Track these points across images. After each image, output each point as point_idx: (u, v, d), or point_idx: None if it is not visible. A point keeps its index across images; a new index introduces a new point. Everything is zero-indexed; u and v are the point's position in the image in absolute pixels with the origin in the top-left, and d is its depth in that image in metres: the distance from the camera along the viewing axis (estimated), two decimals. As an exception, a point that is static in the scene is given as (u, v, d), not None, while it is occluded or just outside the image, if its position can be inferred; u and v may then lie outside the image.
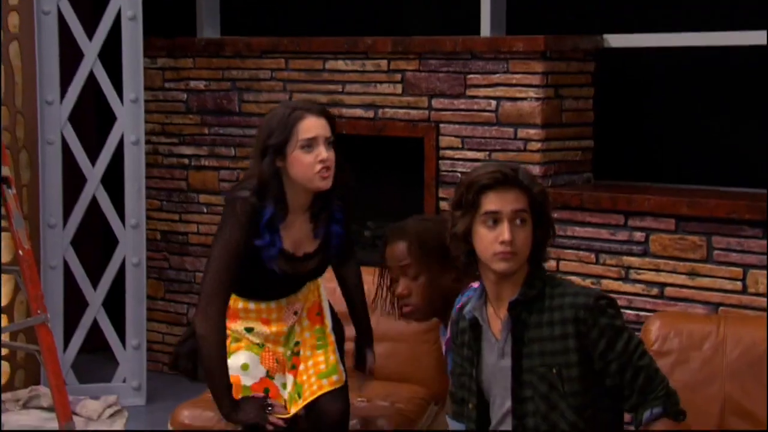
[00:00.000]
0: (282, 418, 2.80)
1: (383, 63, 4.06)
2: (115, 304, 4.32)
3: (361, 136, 4.14)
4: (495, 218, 2.38)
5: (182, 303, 4.59)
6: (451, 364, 2.55)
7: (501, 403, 2.42)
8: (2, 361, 4.02)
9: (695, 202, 3.43)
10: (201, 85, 4.50)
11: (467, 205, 2.40)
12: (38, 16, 4.11)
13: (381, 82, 4.08)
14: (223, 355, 2.74)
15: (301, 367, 2.91)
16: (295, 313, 2.92)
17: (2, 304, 4.09)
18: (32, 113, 4.16)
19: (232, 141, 4.43)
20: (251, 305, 2.87)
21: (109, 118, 4.25)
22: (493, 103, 3.81)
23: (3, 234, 3.99)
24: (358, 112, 4.15)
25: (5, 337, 3.95)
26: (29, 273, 3.66)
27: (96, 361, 4.42)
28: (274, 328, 2.90)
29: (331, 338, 2.97)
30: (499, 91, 3.79)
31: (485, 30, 4.04)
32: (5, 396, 4.04)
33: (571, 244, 3.67)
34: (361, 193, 4.37)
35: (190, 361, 2.89)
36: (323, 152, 2.75)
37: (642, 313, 3.53)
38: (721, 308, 3.40)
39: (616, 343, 2.34)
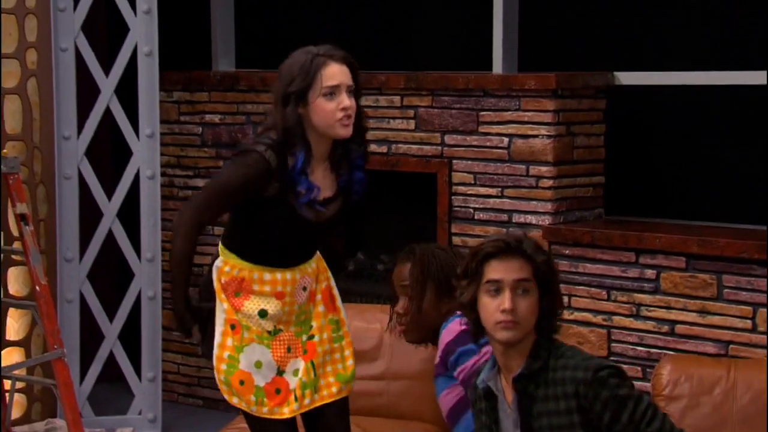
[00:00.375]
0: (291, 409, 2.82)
1: (396, 99, 4.11)
2: (130, 337, 4.37)
3: (375, 170, 4.16)
4: (497, 287, 2.40)
5: (197, 334, 4.63)
6: (474, 426, 2.57)
7: None
8: (18, 394, 4.06)
9: (705, 241, 3.46)
10: (216, 118, 4.55)
11: (472, 274, 2.44)
12: (56, 53, 4.17)
13: (394, 118, 4.12)
14: (187, 265, 2.73)
15: (319, 359, 2.88)
16: (304, 288, 2.87)
17: (19, 338, 4.14)
18: (50, 148, 4.21)
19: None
20: (266, 275, 2.81)
21: (126, 153, 4.31)
22: (506, 140, 3.85)
23: (20, 269, 4.05)
24: (372, 147, 4.14)
25: (22, 371, 3.99)
26: (46, 308, 3.71)
27: (112, 393, 4.47)
28: (287, 307, 2.83)
29: (348, 334, 2.96)
30: (512, 128, 3.83)
31: (497, 67, 4.09)
32: (21, 429, 4.08)
33: (582, 280, 3.70)
34: (375, 227, 4.46)
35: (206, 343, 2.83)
36: (345, 100, 2.72)
37: (653, 350, 3.56)
38: (731, 346, 3.43)
39: (621, 414, 2.34)
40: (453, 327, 2.81)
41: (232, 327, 2.80)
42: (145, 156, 4.27)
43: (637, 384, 3.56)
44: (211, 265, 2.83)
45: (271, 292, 2.82)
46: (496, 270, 2.42)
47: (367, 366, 3.47)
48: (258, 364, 2.80)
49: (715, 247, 3.43)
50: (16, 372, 3.82)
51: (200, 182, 4.57)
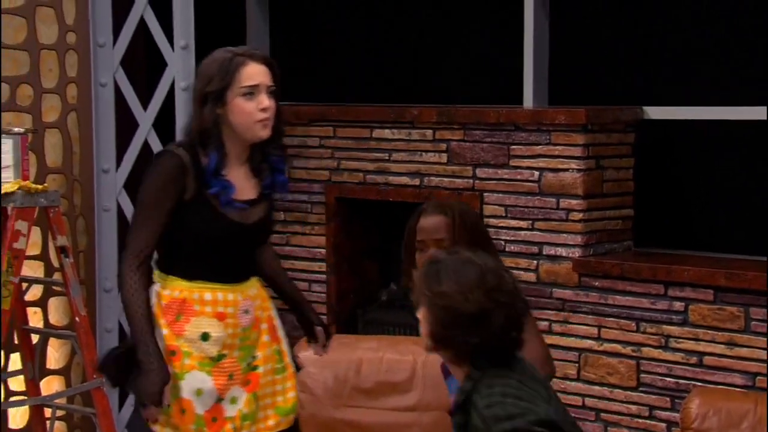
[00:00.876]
0: None
1: (429, 132, 4.18)
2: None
3: (407, 203, 4.25)
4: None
5: (231, 363, 4.71)
6: None
7: None
8: (59, 422, 4.15)
9: (733, 273, 3.50)
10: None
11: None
12: (95, 88, 4.28)
13: (426, 151, 4.19)
14: (138, 308, 2.68)
15: (260, 391, 2.81)
16: (246, 311, 2.79)
17: (59, 367, 4.24)
18: (89, 181, 4.32)
19: (281, 206, 4.56)
20: (207, 295, 2.74)
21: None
22: (536, 173, 3.90)
23: (60, 299, 4.15)
24: (404, 179, 4.26)
25: (62, 400, 4.08)
26: (85, 339, 3.80)
27: (148, 421, 4.54)
28: (230, 329, 2.75)
29: (290, 366, 2.90)
30: (542, 162, 3.89)
31: (528, 101, 4.15)
32: (61, 455, 4.17)
33: (612, 312, 3.74)
34: (398, 254, 4.52)
35: (118, 371, 2.75)
36: (265, 100, 2.69)
37: (681, 381, 3.60)
38: (757, 378, 3.46)
39: None
40: None
41: (172, 353, 2.71)
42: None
43: (665, 414, 3.63)
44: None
45: (212, 313, 2.75)
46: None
47: (400, 397, 3.52)
48: (199, 392, 2.71)
49: (742, 280, 3.47)
50: (56, 401, 3.91)
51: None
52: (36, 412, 3.98)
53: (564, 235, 3.84)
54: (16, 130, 3.75)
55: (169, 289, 2.75)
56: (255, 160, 2.77)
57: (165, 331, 2.72)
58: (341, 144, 4.41)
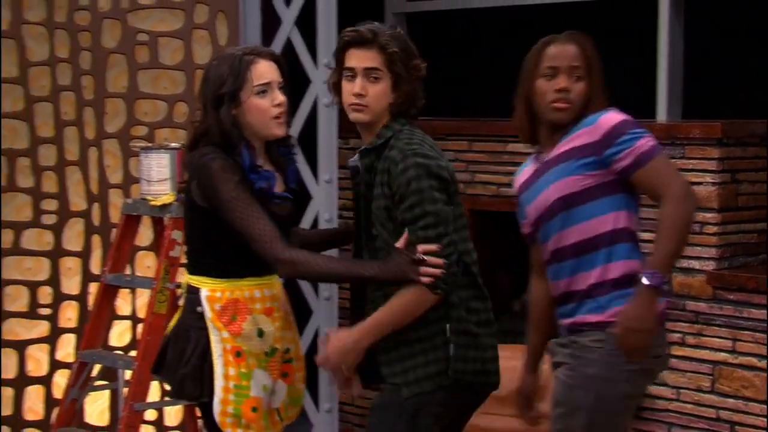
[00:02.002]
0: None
1: (562, 146, 4.25)
2: (308, 369, 4.62)
3: (540, 215, 4.33)
4: (352, 74, 2.72)
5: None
6: None
7: (363, 238, 2.76)
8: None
9: None
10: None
11: (336, 61, 2.76)
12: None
13: (559, 164, 4.26)
14: (324, 259, 2.68)
15: (293, 381, 2.88)
16: (284, 304, 2.86)
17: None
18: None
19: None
20: (256, 292, 2.79)
21: (306, 198, 4.59)
22: (670, 187, 3.94)
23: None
24: (538, 192, 4.34)
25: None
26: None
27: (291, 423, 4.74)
28: (276, 323, 2.81)
29: (302, 357, 2.94)
30: (676, 176, 3.92)
31: (662, 115, 4.19)
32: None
33: (747, 325, 3.75)
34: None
35: (197, 383, 2.76)
36: (279, 96, 2.71)
37: (819, 396, 3.59)
38: None
39: (404, 199, 2.63)
40: (615, 115, 2.76)
41: (237, 354, 2.74)
42: (323, 201, 4.53)
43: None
44: (194, 354, 2.74)
45: (262, 309, 2.79)
46: (351, 58, 2.72)
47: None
48: (265, 388, 2.78)
49: None
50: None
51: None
52: (188, 411, 4.22)
53: (698, 248, 3.88)
54: (172, 145, 3.99)
55: (219, 291, 2.77)
56: (273, 154, 2.81)
57: (225, 333, 2.75)
58: (476, 158, 4.52)
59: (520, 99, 2.85)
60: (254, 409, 2.75)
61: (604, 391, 2.67)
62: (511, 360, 3.90)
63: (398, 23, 5.13)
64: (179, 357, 2.79)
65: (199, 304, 2.78)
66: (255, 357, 2.77)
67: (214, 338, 2.75)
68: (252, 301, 2.80)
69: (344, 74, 2.74)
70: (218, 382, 2.73)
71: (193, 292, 2.81)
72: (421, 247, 2.65)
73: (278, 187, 2.80)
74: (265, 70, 2.73)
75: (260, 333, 2.79)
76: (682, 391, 3.87)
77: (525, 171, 2.90)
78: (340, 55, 2.76)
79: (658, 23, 4.22)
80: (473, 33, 5.02)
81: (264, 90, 2.72)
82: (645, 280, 2.59)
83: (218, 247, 2.77)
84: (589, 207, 2.71)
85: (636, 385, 2.72)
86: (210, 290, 2.78)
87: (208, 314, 2.76)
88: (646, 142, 2.70)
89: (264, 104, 2.72)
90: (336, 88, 2.80)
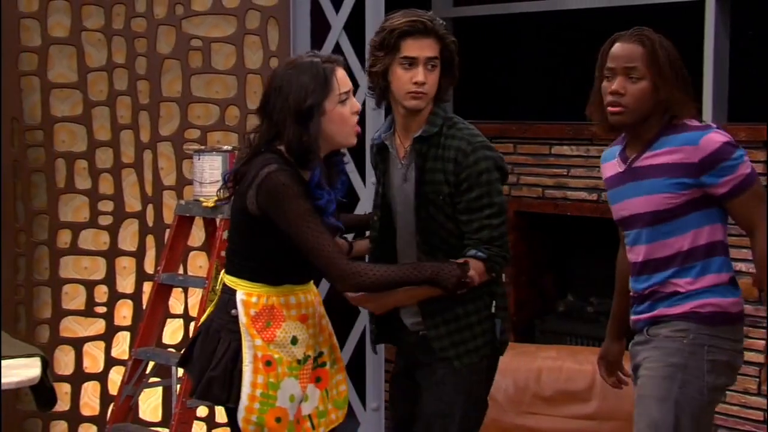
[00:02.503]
0: None
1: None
2: (356, 368, 4.69)
3: (585, 217, 4.38)
4: (411, 62, 2.79)
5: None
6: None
7: (405, 219, 2.88)
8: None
9: None
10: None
11: (388, 48, 2.80)
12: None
13: (605, 167, 4.30)
14: (381, 267, 2.70)
15: (329, 385, 2.84)
16: (317, 310, 2.83)
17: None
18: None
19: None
20: (292, 299, 2.76)
21: (353, 199, 4.66)
22: (715, 189, 3.95)
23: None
24: (582, 194, 4.38)
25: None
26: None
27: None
28: (311, 329, 2.79)
29: (341, 359, 2.92)
30: (721, 179, 3.94)
31: (707, 117, 4.20)
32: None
33: (793, 327, 3.77)
34: (586, 271, 4.64)
35: (225, 387, 2.72)
36: (356, 104, 2.70)
37: None
38: None
39: (473, 189, 2.79)
40: (717, 136, 2.68)
41: (268, 364, 2.70)
42: (370, 202, 4.59)
43: None
44: (223, 357, 2.71)
45: (297, 316, 2.76)
46: (411, 47, 2.78)
47: (580, 406, 3.63)
48: (292, 398, 2.72)
49: None
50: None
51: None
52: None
53: (744, 250, 3.87)
54: (225, 147, 4.07)
55: (256, 296, 2.73)
56: (329, 160, 2.77)
57: (258, 341, 2.70)
58: (521, 160, 4.57)
59: (594, 97, 2.82)
60: (278, 420, 2.70)
61: (689, 380, 2.66)
62: (556, 360, 3.96)
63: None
64: (208, 357, 2.75)
65: (234, 306, 2.74)
66: (286, 365, 2.73)
67: (246, 344, 2.71)
68: (288, 308, 2.76)
69: (401, 62, 2.81)
70: (245, 389, 2.69)
71: (228, 292, 2.77)
72: (472, 263, 2.80)
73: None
74: (344, 77, 2.70)
75: (294, 340, 2.75)
76: (728, 392, 3.88)
77: (611, 165, 2.84)
78: (395, 42, 2.81)
79: (704, 26, 4.24)
80: (519, 37, 5.06)
81: (346, 98, 2.68)
82: None
83: (262, 253, 2.74)
84: (684, 221, 2.70)
85: (720, 377, 2.71)
86: (246, 294, 2.74)
87: (243, 319, 2.72)
88: (743, 171, 2.68)
89: (346, 112, 2.69)
90: (380, 75, 2.83)
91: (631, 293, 2.85)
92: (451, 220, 2.85)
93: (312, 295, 2.84)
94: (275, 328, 2.72)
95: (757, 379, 3.83)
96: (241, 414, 2.70)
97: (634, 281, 2.81)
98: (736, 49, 4.25)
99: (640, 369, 2.76)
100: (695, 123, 2.75)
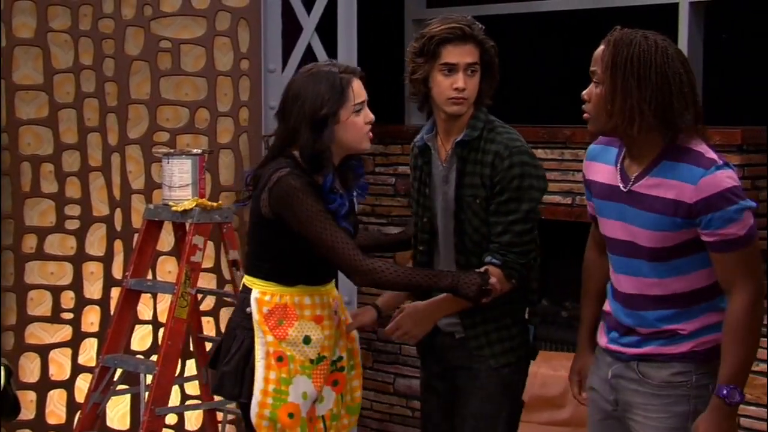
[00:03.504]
0: None
1: (581, 152, 4.25)
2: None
3: (560, 221, 4.35)
4: (451, 68, 2.83)
5: (389, 373, 4.89)
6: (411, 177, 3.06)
7: (443, 221, 2.92)
8: (230, 425, 4.40)
9: None
10: (408, 169, 4.80)
11: (428, 54, 2.84)
12: (265, 111, 4.49)
13: (579, 171, 4.26)
14: (400, 269, 2.74)
15: (345, 390, 2.89)
16: (335, 312, 2.88)
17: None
18: (258, 198, 4.55)
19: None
20: (306, 299, 2.82)
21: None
22: (690, 193, 3.93)
23: (230, 309, 4.41)
24: (557, 198, 4.36)
25: (232, 404, 4.32)
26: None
27: None
28: (326, 331, 2.84)
29: (360, 365, 2.98)
30: (696, 182, 3.92)
31: (681, 122, 4.18)
32: (230, 456, 4.42)
33: (764, 332, 3.74)
34: (560, 276, 4.60)
35: (237, 383, 2.81)
36: (370, 114, 2.80)
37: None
38: None
39: (503, 193, 2.85)
40: (720, 179, 2.43)
41: (279, 359, 2.77)
42: (343, 205, 4.57)
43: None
44: (238, 352, 2.79)
45: (311, 317, 2.83)
46: (451, 54, 2.82)
47: (554, 412, 3.60)
48: (305, 396, 2.78)
49: None
50: (228, 405, 4.15)
51: (393, 230, 4.86)
52: (209, 416, 4.25)
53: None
54: (195, 151, 4.02)
55: (269, 295, 2.82)
56: (343, 168, 2.87)
57: (269, 337, 2.78)
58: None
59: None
60: (291, 415, 2.77)
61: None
62: (531, 366, 3.92)
63: (417, 30, 5.14)
64: (225, 354, 2.85)
65: (249, 304, 2.83)
66: (299, 363, 2.79)
67: (258, 340, 2.79)
68: (301, 308, 2.83)
69: (441, 69, 2.85)
70: (258, 385, 2.76)
71: (245, 291, 2.87)
72: (492, 271, 2.83)
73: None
74: (360, 88, 2.80)
75: (306, 340, 2.82)
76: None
77: (605, 170, 2.59)
78: (434, 49, 2.86)
79: (678, 30, 4.22)
80: (493, 39, 5.03)
81: (361, 108, 2.78)
82: (726, 399, 2.39)
83: (276, 254, 2.83)
84: (688, 261, 2.49)
85: None
86: (260, 292, 2.82)
87: (255, 316, 2.81)
88: (737, 232, 2.40)
89: (360, 122, 2.78)
90: (421, 82, 2.89)
91: (607, 312, 2.66)
92: (486, 225, 2.89)
93: (329, 297, 2.89)
94: (287, 326, 2.78)
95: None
96: (254, 409, 2.76)
97: (617, 308, 2.59)
98: (710, 52, 4.23)
99: (634, 412, 2.55)
100: (702, 149, 2.47)
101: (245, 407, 2.83)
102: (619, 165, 2.55)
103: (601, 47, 2.50)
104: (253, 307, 2.81)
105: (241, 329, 2.85)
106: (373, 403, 4.93)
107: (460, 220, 2.92)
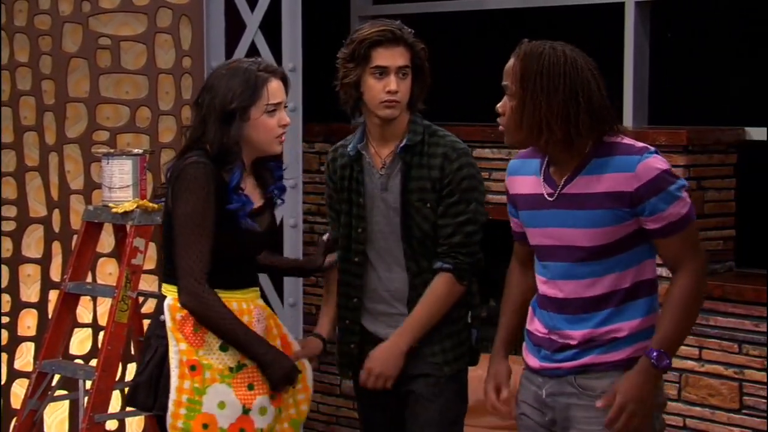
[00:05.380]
0: None
1: (529, 152, 4.24)
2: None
3: (506, 221, 4.31)
4: (383, 71, 2.82)
5: (335, 375, 4.84)
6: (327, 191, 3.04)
7: (383, 230, 2.91)
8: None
9: (839, 297, 3.48)
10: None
11: (359, 58, 2.81)
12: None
13: (526, 171, 4.25)
14: (233, 318, 2.68)
15: (283, 404, 2.82)
16: (259, 320, 2.80)
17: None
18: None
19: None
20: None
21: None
22: (636, 194, 3.93)
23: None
24: (503, 198, 4.31)
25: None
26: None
27: None
28: None
29: (306, 378, 2.92)
30: (642, 183, 3.92)
31: (628, 122, 4.19)
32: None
33: (713, 333, 3.75)
34: (500, 273, 4.58)
35: (151, 393, 2.75)
36: (285, 117, 2.75)
37: (785, 404, 3.59)
38: None
39: (453, 195, 2.87)
40: (655, 163, 2.45)
41: (192, 368, 2.71)
42: (287, 205, 4.50)
43: (770, 438, 3.62)
44: (149, 364, 2.75)
45: None
46: (382, 56, 2.81)
47: (499, 416, 3.57)
48: (221, 405, 2.71)
49: None
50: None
51: (339, 230, 4.79)
52: (151, 421, 4.16)
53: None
54: (135, 151, 3.94)
55: None
56: (258, 168, 2.83)
57: (183, 345, 2.71)
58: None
59: None
60: (205, 426, 2.69)
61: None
62: (477, 369, 3.89)
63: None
64: (139, 364, 2.80)
65: (163, 311, 2.76)
66: (216, 372, 2.72)
67: (172, 349, 2.72)
68: None
69: (373, 72, 2.84)
70: (171, 395, 2.69)
71: (160, 298, 2.80)
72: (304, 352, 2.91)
73: (256, 201, 2.80)
74: (277, 89, 2.75)
75: (223, 347, 2.75)
76: (648, 398, 3.85)
77: (529, 182, 2.57)
78: (365, 52, 2.84)
79: (624, 29, 4.22)
80: (441, 37, 4.99)
81: (274, 110, 2.74)
82: (654, 361, 2.39)
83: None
84: (626, 257, 2.47)
85: (657, 417, 2.53)
86: (174, 299, 2.74)
87: (168, 323, 2.73)
88: (680, 210, 2.43)
89: (271, 123, 2.74)
90: (353, 86, 2.89)
91: (532, 331, 2.58)
92: (436, 229, 2.90)
93: (251, 304, 2.81)
94: (203, 333, 2.72)
95: (678, 385, 3.81)
96: (168, 420, 2.70)
97: (551, 318, 2.53)
98: (656, 52, 4.24)
99: (576, 427, 2.49)
100: (629, 142, 2.48)
101: (161, 419, 2.75)
102: (543, 174, 2.54)
103: (511, 60, 2.50)
104: (167, 314, 2.73)
105: (155, 338, 2.77)
106: (320, 405, 4.88)
107: (407, 226, 2.90)
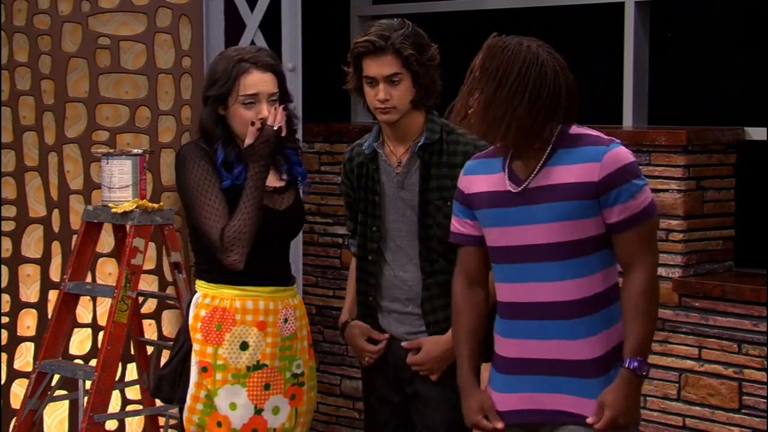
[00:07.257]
0: None
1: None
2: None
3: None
4: (372, 81, 2.81)
5: (335, 375, 4.84)
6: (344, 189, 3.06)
7: (400, 228, 2.89)
8: (171, 430, 4.32)
9: (838, 297, 3.48)
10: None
11: (355, 67, 2.86)
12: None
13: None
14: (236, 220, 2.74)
15: (303, 407, 2.85)
16: (286, 320, 2.83)
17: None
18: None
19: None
20: (249, 303, 2.79)
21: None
22: (636, 194, 3.93)
23: (173, 312, 4.33)
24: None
25: (175, 409, 4.25)
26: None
27: None
28: (269, 338, 2.80)
29: (314, 387, 2.97)
30: (642, 183, 3.92)
31: (628, 122, 4.19)
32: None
33: (713, 333, 3.75)
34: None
35: (173, 387, 2.83)
36: (263, 110, 2.75)
37: (785, 404, 3.59)
38: None
39: None
40: (622, 153, 2.46)
41: (204, 370, 2.77)
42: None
43: (769, 438, 3.62)
44: (175, 358, 2.84)
45: (253, 322, 2.80)
46: (370, 67, 2.80)
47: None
48: (233, 406, 2.76)
49: None
50: (170, 410, 4.07)
51: (339, 229, 4.80)
52: (150, 421, 4.17)
53: (664, 255, 3.87)
54: (135, 151, 3.93)
55: (209, 298, 2.81)
56: (275, 154, 2.88)
57: (196, 346, 2.79)
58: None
59: None
60: (219, 424, 2.76)
61: None
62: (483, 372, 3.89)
63: (363, 26, 5.08)
64: (169, 357, 2.88)
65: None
66: (231, 373, 2.76)
67: (194, 346, 2.80)
68: (244, 312, 2.80)
69: (365, 81, 2.87)
70: (190, 389, 2.76)
71: (193, 293, 2.89)
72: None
73: (272, 182, 2.85)
74: (255, 82, 2.75)
75: (243, 346, 2.79)
76: (648, 398, 3.86)
77: (491, 180, 2.52)
78: (357, 62, 2.86)
79: (624, 29, 4.22)
80: (442, 36, 4.99)
81: (251, 102, 2.75)
82: (636, 371, 2.38)
83: (200, 248, 2.83)
84: (593, 259, 2.43)
85: None
86: (202, 295, 2.82)
87: (190, 320, 2.81)
88: (643, 202, 2.42)
89: (247, 115, 2.76)
90: (357, 92, 2.93)
91: (501, 355, 2.51)
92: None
93: (277, 303, 2.82)
94: (224, 331, 2.76)
95: (677, 385, 3.81)
96: (185, 414, 2.78)
97: (509, 326, 2.47)
98: (655, 52, 4.24)
99: None
100: (595, 133, 2.48)
101: (182, 411, 2.82)
102: (507, 170, 2.51)
103: (479, 54, 2.52)
104: (191, 311, 2.81)
105: (183, 332, 2.84)
106: (319, 405, 4.87)
107: (425, 225, 2.89)
